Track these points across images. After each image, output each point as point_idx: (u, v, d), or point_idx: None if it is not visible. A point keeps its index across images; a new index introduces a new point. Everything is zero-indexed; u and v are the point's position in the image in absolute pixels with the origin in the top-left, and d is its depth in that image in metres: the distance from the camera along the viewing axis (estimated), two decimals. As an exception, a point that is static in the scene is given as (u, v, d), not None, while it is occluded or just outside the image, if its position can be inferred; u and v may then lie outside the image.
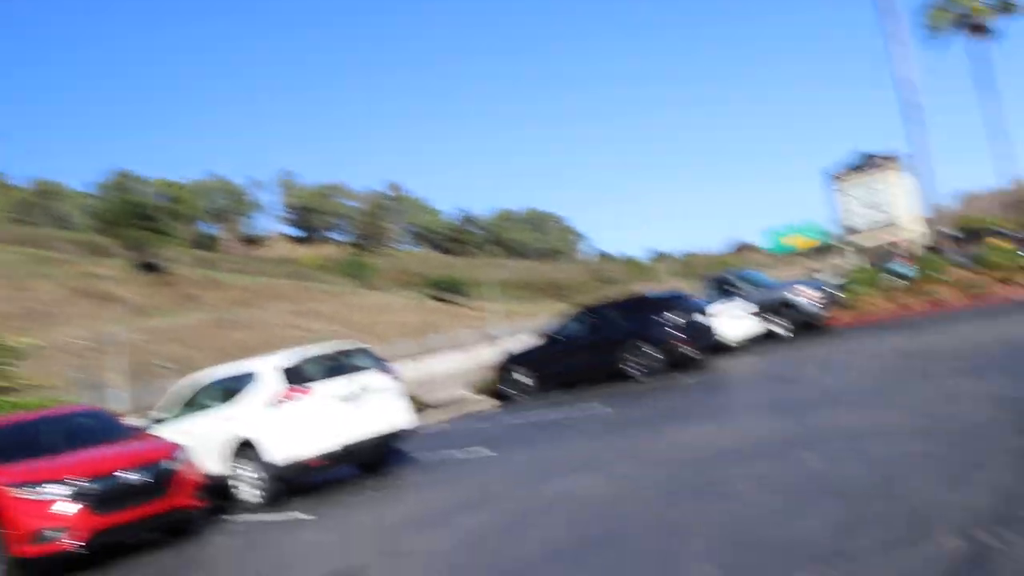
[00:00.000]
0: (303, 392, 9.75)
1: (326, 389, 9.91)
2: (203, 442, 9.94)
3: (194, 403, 10.85)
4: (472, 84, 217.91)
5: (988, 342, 11.14)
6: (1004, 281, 19.85)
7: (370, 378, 10.46)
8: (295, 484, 9.82)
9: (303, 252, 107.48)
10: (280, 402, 9.69)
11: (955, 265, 23.06)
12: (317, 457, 9.64)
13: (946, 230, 31.74)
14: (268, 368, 10.15)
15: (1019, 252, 21.20)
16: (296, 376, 10.01)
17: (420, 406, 17.06)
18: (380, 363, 11.07)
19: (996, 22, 36.70)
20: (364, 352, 11.20)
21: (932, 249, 24.23)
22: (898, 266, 28.17)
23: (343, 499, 9.38)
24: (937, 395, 7.96)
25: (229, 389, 10.53)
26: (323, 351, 10.90)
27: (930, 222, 29.50)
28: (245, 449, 9.75)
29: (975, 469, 5.02)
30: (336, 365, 10.62)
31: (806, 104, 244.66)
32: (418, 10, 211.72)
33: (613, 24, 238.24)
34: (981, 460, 5.21)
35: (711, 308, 17.12)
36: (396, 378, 10.97)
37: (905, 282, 23.85)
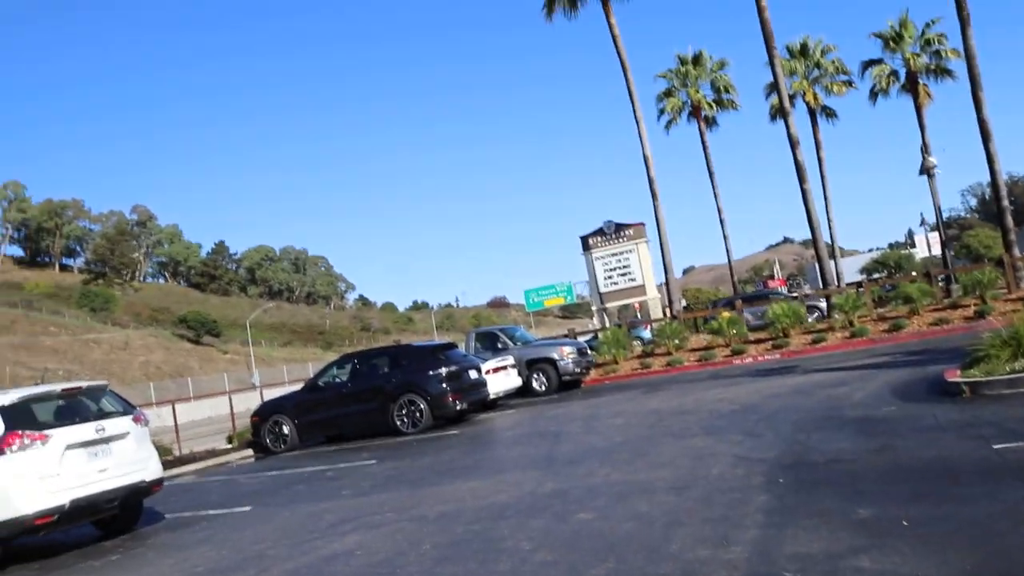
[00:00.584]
0: (35, 437, 8.54)
1: (63, 434, 8.76)
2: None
3: None
4: (238, 111, 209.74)
5: (720, 404, 12.35)
6: (730, 348, 22.24)
7: (115, 423, 9.41)
8: (17, 547, 8.52)
9: (30, 277, 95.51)
10: (4, 449, 8.40)
11: (692, 332, 25.56)
12: (43, 514, 8.42)
13: (681, 300, 35.12)
14: (-12, 409, 8.80)
15: (745, 323, 23.86)
16: (26, 418, 8.77)
17: (170, 457, 15.69)
18: (126, 406, 10.02)
19: (717, 114, 42.19)
20: (106, 393, 10.07)
21: (672, 316, 26.62)
22: (640, 330, 30.71)
23: (76, 565, 8.27)
24: (686, 454, 8.65)
25: (-64, 435, 8.98)
26: (57, 390, 9.67)
27: (667, 290, 32.45)
28: (-44, 507, 8.32)
29: (732, 527, 5.49)
30: (75, 407, 9.47)
31: (571, 178, 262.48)
32: (183, 28, 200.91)
33: (395, 80, 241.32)
34: (735, 517, 5.71)
35: (482, 363, 17.49)
36: (145, 424, 9.98)
37: (647, 345, 26.03)
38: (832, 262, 33.72)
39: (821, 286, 27.66)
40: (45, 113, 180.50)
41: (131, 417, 9.69)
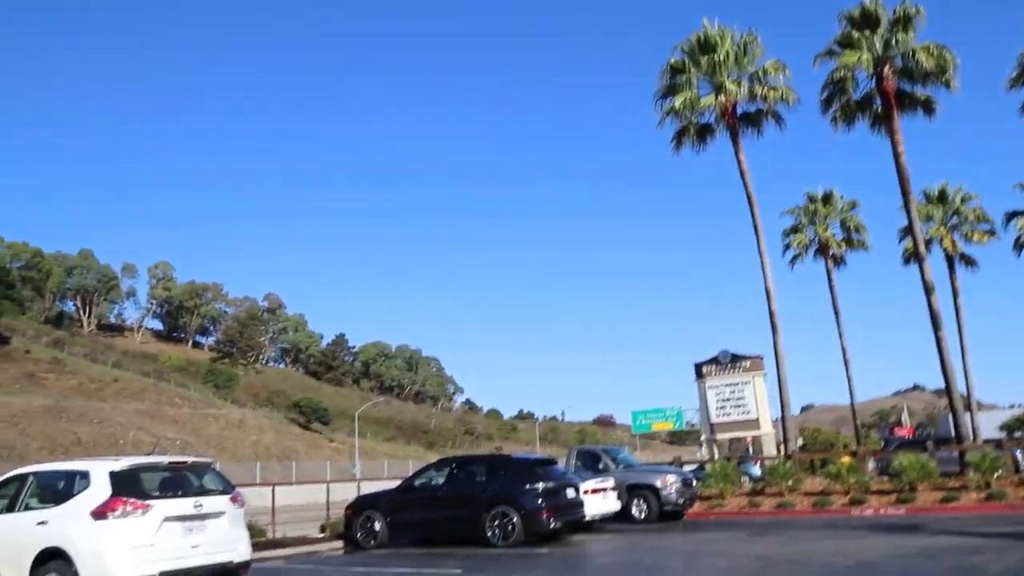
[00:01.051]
0: (137, 506, 8.78)
1: (163, 506, 8.96)
2: (4, 545, 8.74)
3: (8, 499, 9.54)
4: (361, 215, 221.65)
5: (835, 559, 11.36)
6: (849, 497, 20.68)
7: (213, 501, 9.56)
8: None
9: (165, 350, 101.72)
10: (108, 513, 8.66)
11: (807, 474, 24.01)
12: (136, 582, 8.53)
13: (798, 439, 33.32)
14: (101, 472, 9.11)
15: (869, 471, 22.22)
16: (131, 486, 9.05)
17: (262, 539, 15.81)
18: (227, 485, 10.19)
19: (846, 253, 40.82)
20: (212, 471, 10.32)
21: (787, 455, 25.16)
22: (749, 465, 29.12)
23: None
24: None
25: (51, 489, 9.40)
26: (164, 462, 9.98)
27: (783, 427, 30.81)
28: (54, 561, 8.57)
29: None
30: (178, 480, 9.72)
31: (688, 302, 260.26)
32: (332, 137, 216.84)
33: (518, 200, 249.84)
34: None
35: (580, 482, 16.93)
36: (241, 505, 10.09)
37: (756, 482, 24.59)
38: (968, 415, 31.30)
39: (955, 440, 25.59)
40: (201, 203, 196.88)
41: (229, 497, 9.83)
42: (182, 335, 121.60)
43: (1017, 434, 51.12)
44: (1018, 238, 37.03)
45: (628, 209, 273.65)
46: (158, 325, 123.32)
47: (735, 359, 34.13)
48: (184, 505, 9.16)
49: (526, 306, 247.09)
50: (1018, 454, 26.14)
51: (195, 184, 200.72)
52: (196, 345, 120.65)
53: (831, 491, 21.70)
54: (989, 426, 53.85)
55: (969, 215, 39.70)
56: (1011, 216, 36.88)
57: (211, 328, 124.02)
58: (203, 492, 9.59)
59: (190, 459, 10.25)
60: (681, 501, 19.56)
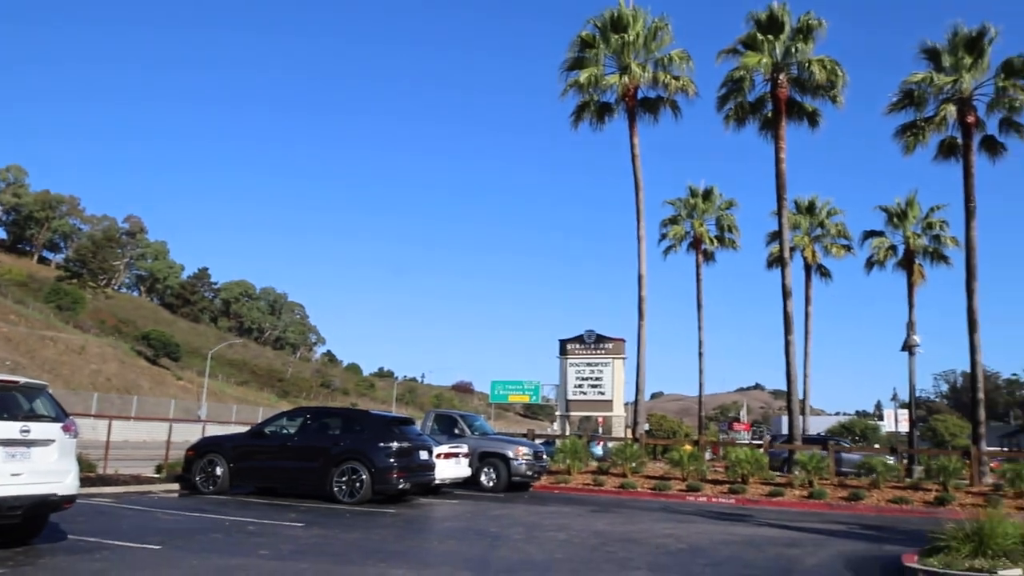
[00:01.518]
0: (-50, 425, 8.02)
1: (-18, 428, 8.23)
2: None
3: None
4: (246, 138, 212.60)
5: (668, 540, 11.89)
6: (687, 484, 21.76)
7: (43, 428, 8.86)
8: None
9: (6, 262, 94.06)
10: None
11: (650, 458, 25.09)
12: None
13: (645, 424, 34.72)
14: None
15: (707, 459, 23.43)
16: (-55, 403, 8.27)
17: (91, 474, 14.95)
18: (60, 412, 9.46)
19: (716, 250, 42.95)
20: (43, 394, 9.52)
21: (634, 439, 26.16)
22: (593, 445, 30.20)
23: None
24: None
25: None
26: (-8, 381, 9.15)
27: (635, 411, 32.01)
28: None
29: None
30: (6, 401, 8.89)
31: (559, 276, 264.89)
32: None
33: (400, 156, 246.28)
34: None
35: (435, 446, 16.96)
36: (74, 435, 9.41)
37: (600, 461, 25.51)
38: (801, 418, 33.55)
39: (788, 439, 27.39)
40: (65, 111, 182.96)
41: (61, 425, 9.14)
42: (28, 248, 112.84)
43: (837, 439, 55.37)
44: (871, 257, 39.84)
45: (511, 186, 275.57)
46: (1, 234, 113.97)
47: (600, 340, 35.27)
48: (9, 428, 8.44)
49: (397, 263, 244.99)
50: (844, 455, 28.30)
51: (61, 92, 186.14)
52: (43, 260, 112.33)
53: (671, 476, 22.78)
54: (816, 429, 58.21)
55: (832, 229, 42.53)
56: (868, 235, 39.58)
57: (62, 244, 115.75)
58: (32, 417, 8.87)
59: (22, 380, 9.42)
60: (530, 473, 20.03)
